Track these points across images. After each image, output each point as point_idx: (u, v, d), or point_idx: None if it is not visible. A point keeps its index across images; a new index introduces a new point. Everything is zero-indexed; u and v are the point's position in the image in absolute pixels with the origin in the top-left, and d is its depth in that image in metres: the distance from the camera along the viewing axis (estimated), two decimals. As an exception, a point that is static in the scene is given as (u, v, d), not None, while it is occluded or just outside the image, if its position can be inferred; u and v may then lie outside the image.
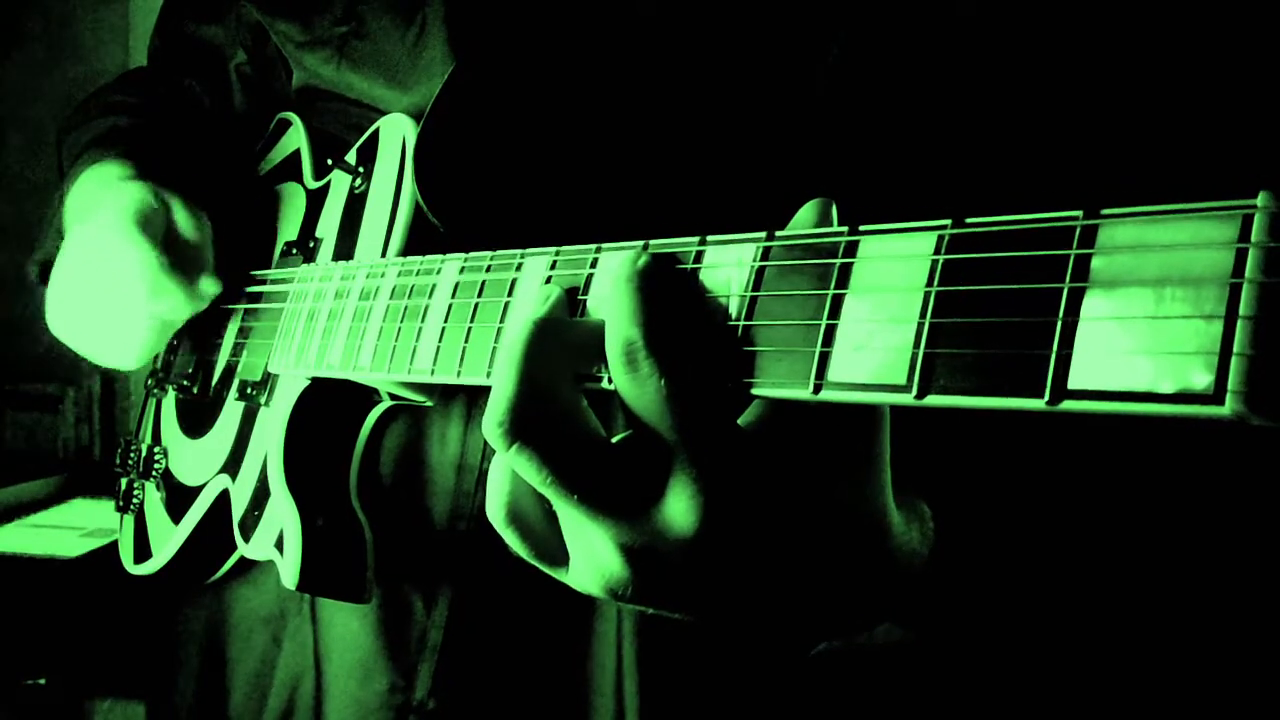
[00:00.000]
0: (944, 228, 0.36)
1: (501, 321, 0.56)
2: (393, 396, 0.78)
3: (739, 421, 0.47)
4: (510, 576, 0.76)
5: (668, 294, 0.46)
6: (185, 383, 1.01)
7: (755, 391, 0.43)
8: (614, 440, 0.48)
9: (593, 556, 0.49)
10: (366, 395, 0.79)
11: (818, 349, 0.39)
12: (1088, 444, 0.60)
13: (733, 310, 0.45)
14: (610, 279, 0.47)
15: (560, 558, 0.51)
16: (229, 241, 0.96)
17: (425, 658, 0.78)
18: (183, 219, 0.92)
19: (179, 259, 0.90)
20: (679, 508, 0.45)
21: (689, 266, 0.48)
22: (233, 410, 0.93)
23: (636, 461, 0.46)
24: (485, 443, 0.77)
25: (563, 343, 0.49)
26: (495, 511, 0.51)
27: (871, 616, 0.56)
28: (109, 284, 0.89)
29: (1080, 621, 0.63)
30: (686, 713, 0.73)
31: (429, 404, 0.78)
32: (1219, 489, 0.61)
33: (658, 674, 0.72)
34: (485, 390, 0.75)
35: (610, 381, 0.47)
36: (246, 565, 0.94)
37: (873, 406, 0.45)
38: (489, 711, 0.78)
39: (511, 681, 0.77)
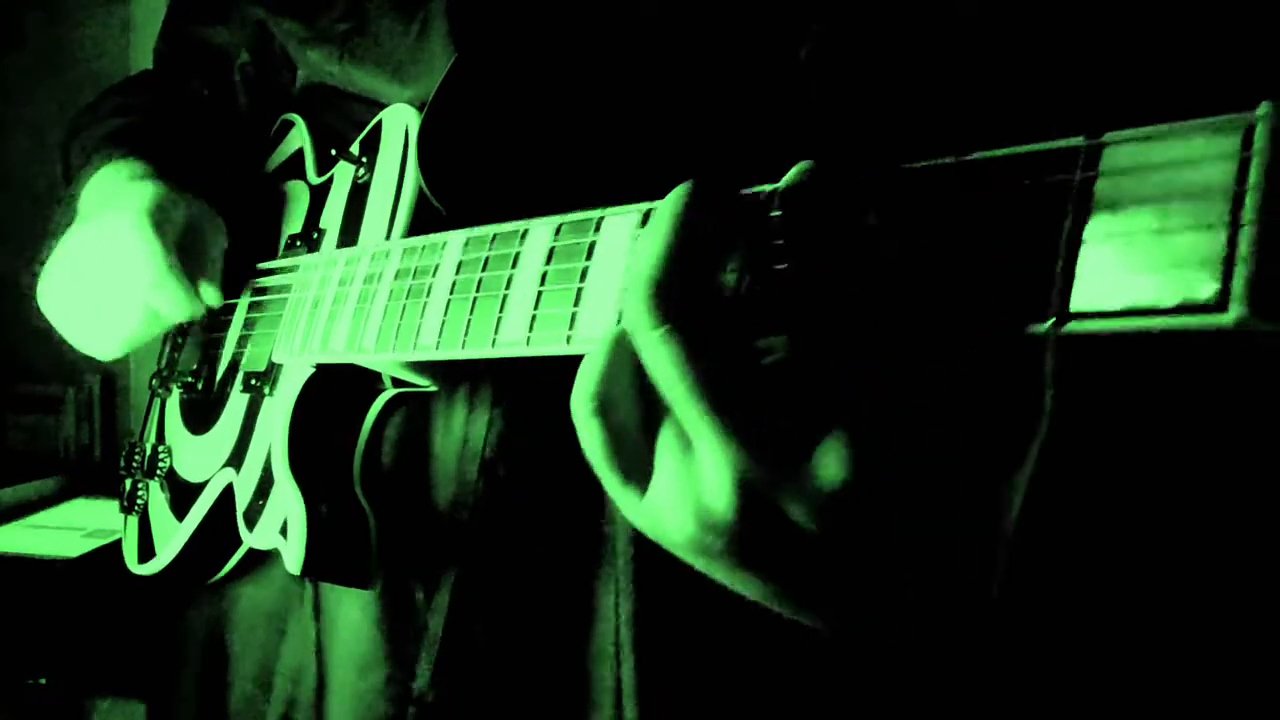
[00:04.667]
0: (949, 161, 0.37)
1: (508, 289, 0.56)
2: (396, 383, 0.78)
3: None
4: (511, 565, 0.77)
5: (895, 212, 0.38)
6: (190, 380, 1.01)
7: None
8: (765, 360, 0.40)
9: (695, 488, 0.41)
10: (370, 382, 0.79)
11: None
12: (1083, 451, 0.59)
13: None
14: (816, 175, 0.39)
15: (639, 475, 0.44)
16: (236, 241, 0.97)
17: (425, 648, 0.78)
18: (198, 222, 0.93)
19: (187, 262, 0.90)
20: (834, 455, 0.38)
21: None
22: (237, 403, 0.93)
23: (806, 388, 0.39)
24: (488, 429, 0.77)
25: (741, 213, 0.41)
26: (581, 395, 0.43)
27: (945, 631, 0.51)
28: (113, 270, 0.89)
29: (1082, 617, 0.62)
30: (684, 700, 0.72)
31: (433, 389, 0.78)
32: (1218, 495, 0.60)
33: (655, 663, 0.72)
34: (487, 375, 0.76)
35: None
36: (248, 564, 0.94)
37: (1038, 406, 0.41)
38: (488, 702, 0.77)
39: (511, 672, 0.77)
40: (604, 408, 0.43)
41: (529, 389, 0.76)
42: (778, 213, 0.40)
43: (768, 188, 0.42)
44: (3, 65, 2.56)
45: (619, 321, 0.42)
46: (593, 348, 0.44)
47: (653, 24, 0.74)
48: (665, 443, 0.43)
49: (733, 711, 0.73)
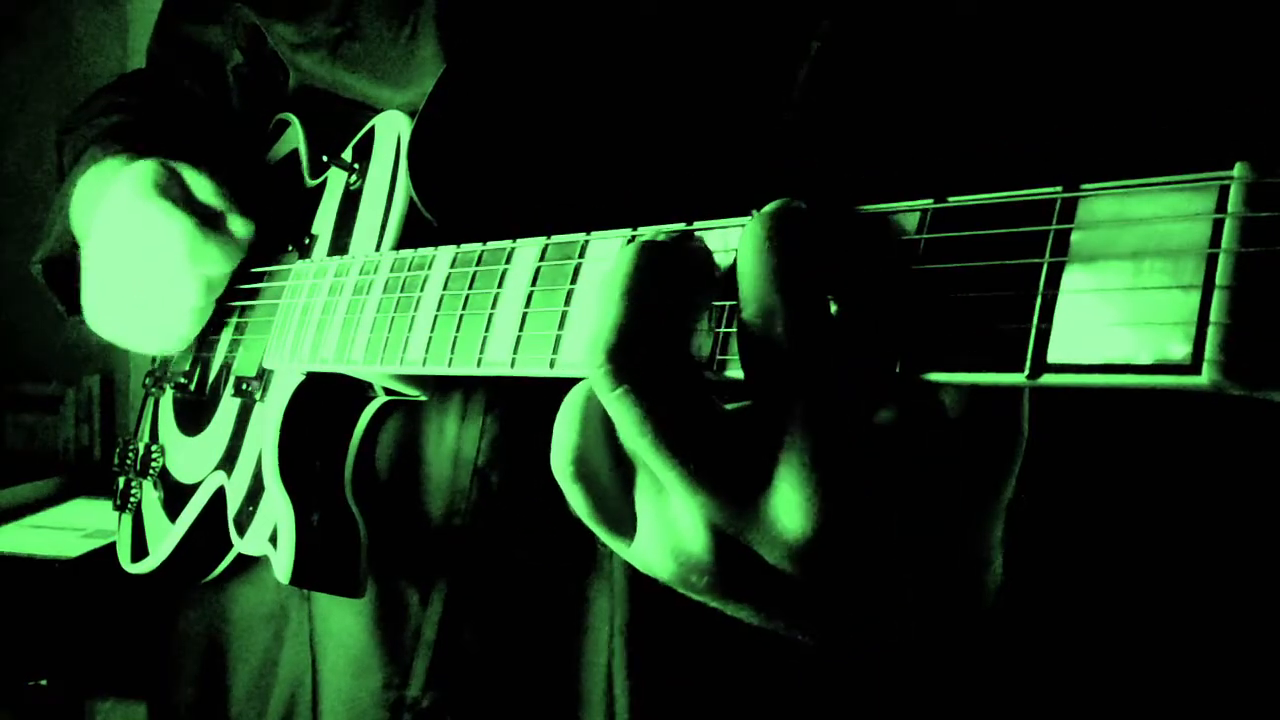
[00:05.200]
0: (927, 205, 0.36)
1: (494, 309, 0.56)
2: (387, 391, 0.78)
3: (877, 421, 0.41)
4: (504, 572, 0.77)
5: (827, 255, 0.39)
6: (183, 380, 1.01)
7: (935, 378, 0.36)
8: (727, 407, 0.42)
9: (673, 533, 0.43)
10: (361, 390, 0.79)
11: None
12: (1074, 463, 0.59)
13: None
14: (753, 222, 0.40)
15: (626, 525, 0.46)
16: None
17: (420, 654, 0.78)
18: (194, 179, 0.92)
19: (204, 216, 0.90)
20: (790, 505, 0.39)
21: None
22: (229, 407, 0.93)
23: (755, 437, 0.40)
24: (480, 436, 0.77)
25: (684, 271, 0.43)
26: (561, 462, 0.45)
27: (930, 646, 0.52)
28: (148, 259, 0.89)
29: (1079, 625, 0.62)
30: (675, 709, 0.72)
31: (423, 398, 0.78)
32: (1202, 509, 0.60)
33: (647, 671, 0.72)
34: (480, 382, 0.76)
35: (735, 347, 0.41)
36: (245, 564, 0.94)
37: (1016, 431, 0.41)
38: (483, 708, 0.77)
39: (504, 677, 0.77)
40: (582, 469, 0.45)
41: (521, 396, 0.75)
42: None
43: (732, 224, 0.43)
44: (1, 65, 2.56)
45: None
46: (562, 414, 0.45)
47: (650, 28, 0.73)
48: (642, 492, 0.45)
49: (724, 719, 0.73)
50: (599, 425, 0.44)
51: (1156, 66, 0.60)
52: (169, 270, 0.89)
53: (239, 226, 0.91)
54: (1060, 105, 0.62)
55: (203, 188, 0.92)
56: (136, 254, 0.90)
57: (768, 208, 0.40)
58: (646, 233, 0.48)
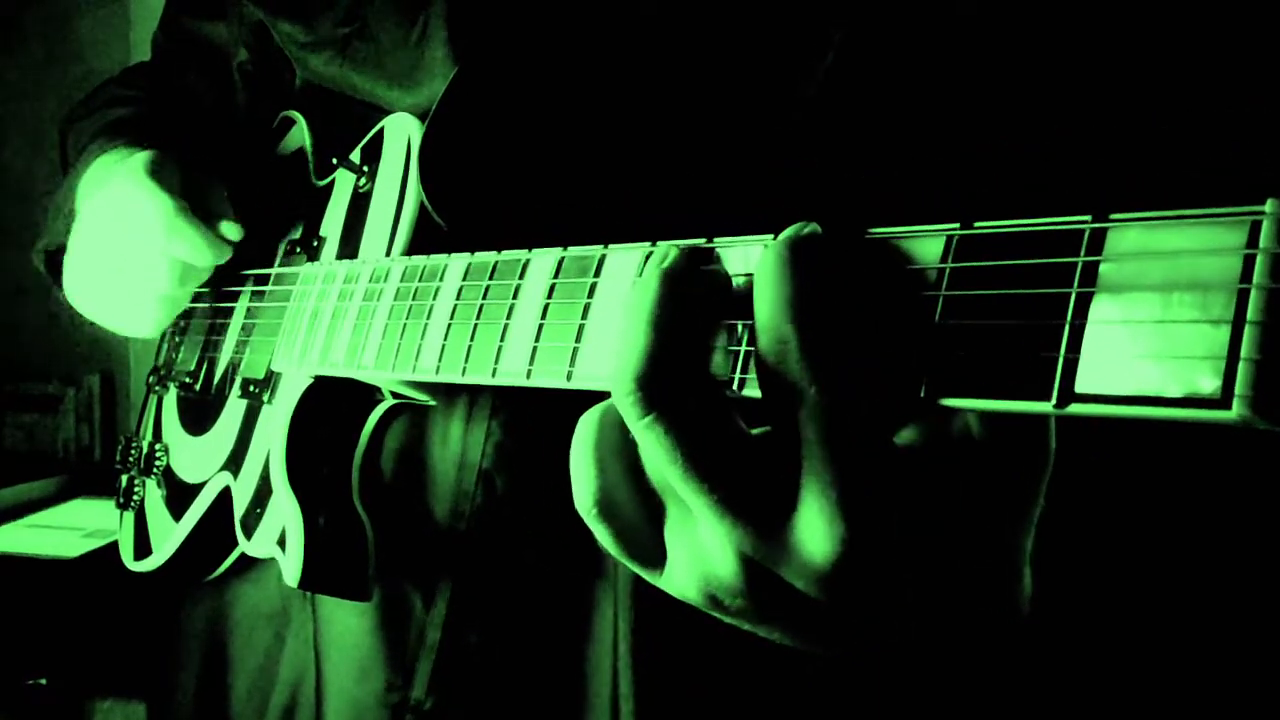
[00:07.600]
0: (952, 230, 0.37)
1: (509, 319, 0.56)
2: (395, 395, 0.78)
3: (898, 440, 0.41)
4: (509, 575, 0.77)
5: (841, 283, 0.39)
6: (187, 380, 1.01)
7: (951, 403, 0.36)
8: (753, 431, 0.42)
9: (703, 561, 0.44)
10: (369, 394, 0.79)
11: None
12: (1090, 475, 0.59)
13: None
14: (767, 251, 0.40)
15: (656, 558, 0.46)
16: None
17: (423, 656, 0.78)
18: (195, 179, 0.93)
19: (198, 208, 0.90)
20: (814, 531, 0.39)
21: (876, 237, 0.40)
22: (235, 408, 0.93)
23: (778, 464, 0.40)
24: (485, 440, 0.77)
25: (707, 296, 0.43)
26: (584, 502, 0.45)
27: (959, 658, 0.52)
28: (126, 235, 0.89)
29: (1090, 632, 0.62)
30: (681, 712, 0.73)
31: (431, 403, 0.78)
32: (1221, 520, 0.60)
33: (653, 674, 0.72)
34: (487, 388, 0.76)
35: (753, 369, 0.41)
36: (247, 563, 0.94)
37: (1044, 450, 0.41)
38: (486, 711, 0.78)
39: (508, 681, 0.77)
40: (607, 508, 0.45)
41: (526, 400, 0.75)
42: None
43: (753, 241, 0.43)
44: (3, 64, 2.55)
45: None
46: (578, 453, 0.45)
47: (664, 31, 0.73)
48: (671, 524, 0.45)
49: None
50: (618, 463, 0.45)
51: (1171, 75, 0.60)
52: (144, 247, 0.89)
53: (228, 226, 0.91)
54: (1075, 111, 0.62)
55: (202, 186, 0.93)
56: (118, 229, 0.90)
57: (783, 234, 0.40)
58: (664, 247, 0.48)
